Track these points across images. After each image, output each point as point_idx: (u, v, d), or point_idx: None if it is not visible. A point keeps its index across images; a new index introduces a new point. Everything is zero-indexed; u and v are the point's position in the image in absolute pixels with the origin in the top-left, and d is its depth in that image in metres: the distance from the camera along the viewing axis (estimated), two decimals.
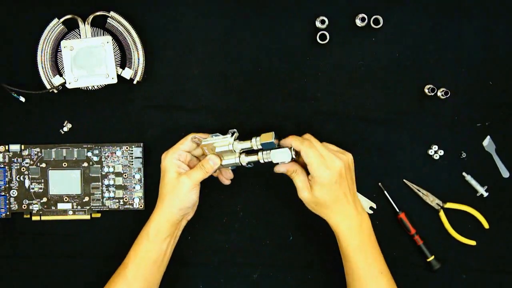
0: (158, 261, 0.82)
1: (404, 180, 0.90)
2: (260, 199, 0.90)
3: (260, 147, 0.81)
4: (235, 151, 0.82)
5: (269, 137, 0.80)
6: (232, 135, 0.82)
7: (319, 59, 0.90)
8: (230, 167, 0.85)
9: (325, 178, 0.78)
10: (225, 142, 0.82)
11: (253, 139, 0.81)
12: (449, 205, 0.89)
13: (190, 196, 0.81)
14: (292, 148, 0.81)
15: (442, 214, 0.89)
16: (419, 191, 0.89)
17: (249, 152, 0.83)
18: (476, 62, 0.90)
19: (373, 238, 0.82)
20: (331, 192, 0.79)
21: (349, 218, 0.80)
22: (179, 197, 0.81)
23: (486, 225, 0.89)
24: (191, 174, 0.81)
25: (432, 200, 0.89)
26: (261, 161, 0.82)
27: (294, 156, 0.81)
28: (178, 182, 0.81)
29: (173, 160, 0.82)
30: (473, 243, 0.89)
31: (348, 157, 0.82)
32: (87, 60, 0.87)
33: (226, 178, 0.87)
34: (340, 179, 0.79)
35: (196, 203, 0.84)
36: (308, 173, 0.81)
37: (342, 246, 0.81)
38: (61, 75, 0.88)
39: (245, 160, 0.82)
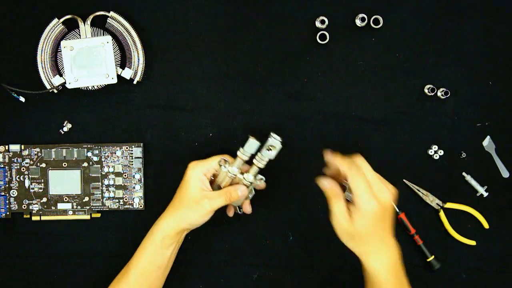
0: (161, 267, 0.82)
1: (404, 180, 0.90)
2: (260, 199, 0.90)
3: (248, 153, 0.80)
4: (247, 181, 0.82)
5: (253, 146, 0.79)
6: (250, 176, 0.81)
7: (319, 59, 0.90)
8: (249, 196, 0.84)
9: (369, 208, 0.72)
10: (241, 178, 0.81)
11: (239, 153, 0.80)
12: (449, 205, 0.89)
13: (207, 218, 0.81)
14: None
15: (442, 214, 0.89)
16: (419, 191, 0.89)
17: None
18: (476, 62, 0.90)
19: (403, 274, 0.76)
20: (372, 225, 0.73)
21: (384, 255, 0.75)
22: (197, 216, 0.80)
23: (486, 225, 0.89)
24: (214, 201, 0.80)
25: (432, 200, 0.89)
26: (262, 166, 0.81)
27: (279, 140, 0.78)
28: (199, 202, 0.80)
29: (200, 173, 0.81)
30: (473, 243, 0.89)
31: (396, 191, 0.76)
32: (87, 60, 0.87)
33: (246, 211, 0.86)
34: (385, 213, 0.74)
35: None
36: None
37: (373, 285, 0.75)
38: (61, 75, 0.88)
39: (250, 178, 0.81)
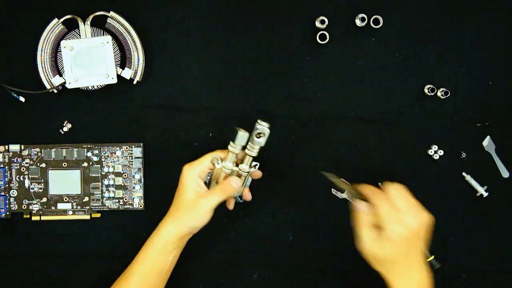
0: (162, 272, 0.82)
1: (321, 172, 0.88)
2: (260, 199, 0.90)
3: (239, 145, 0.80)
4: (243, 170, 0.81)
5: (242, 138, 0.79)
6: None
7: (319, 59, 0.90)
8: (247, 185, 0.84)
9: (397, 235, 0.72)
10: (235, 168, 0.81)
11: (230, 147, 0.80)
12: None
13: (206, 218, 0.80)
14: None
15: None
16: (337, 180, 0.86)
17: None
18: (476, 62, 0.90)
19: None
20: (400, 250, 0.73)
21: (413, 282, 0.74)
22: (196, 218, 0.80)
23: None
24: (211, 199, 0.79)
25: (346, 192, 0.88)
26: (254, 154, 0.80)
27: (267, 126, 0.78)
28: (196, 204, 0.79)
29: (194, 176, 0.80)
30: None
31: (429, 218, 0.75)
32: (87, 60, 0.87)
33: (247, 198, 0.85)
34: (413, 239, 0.73)
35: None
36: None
37: None
38: (61, 75, 0.88)
39: (245, 168, 0.81)
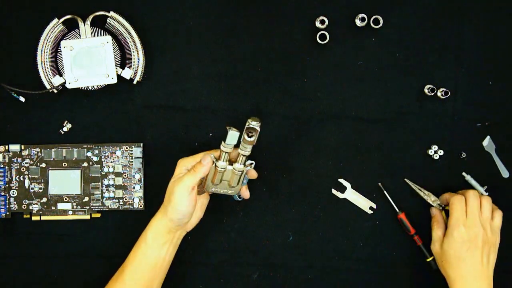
0: (156, 266, 0.82)
1: (405, 179, 0.90)
2: (260, 199, 0.90)
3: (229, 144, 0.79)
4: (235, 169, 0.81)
5: (233, 137, 0.78)
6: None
7: (319, 59, 0.90)
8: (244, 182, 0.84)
9: (456, 234, 0.81)
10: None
11: (222, 147, 0.79)
12: None
13: (184, 203, 0.78)
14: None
15: (443, 214, 0.89)
16: (420, 190, 0.89)
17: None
18: (476, 62, 0.90)
19: None
20: (459, 250, 0.81)
21: (470, 285, 0.81)
22: (175, 206, 0.79)
23: None
24: (183, 179, 0.78)
25: (433, 200, 0.89)
26: (247, 153, 0.79)
27: (258, 124, 0.77)
28: (172, 191, 0.79)
29: (182, 168, 0.82)
30: None
31: (494, 232, 0.84)
32: (87, 60, 0.87)
33: (245, 196, 0.86)
34: (472, 246, 0.81)
35: (195, 213, 0.83)
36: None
37: None
38: (61, 75, 0.88)
39: (239, 166, 0.81)
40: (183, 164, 0.82)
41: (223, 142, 0.79)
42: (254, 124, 0.77)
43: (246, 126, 0.77)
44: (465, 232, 0.81)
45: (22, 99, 0.89)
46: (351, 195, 0.90)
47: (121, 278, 0.81)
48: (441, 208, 0.89)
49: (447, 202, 0.86)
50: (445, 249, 0.82)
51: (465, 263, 0.81)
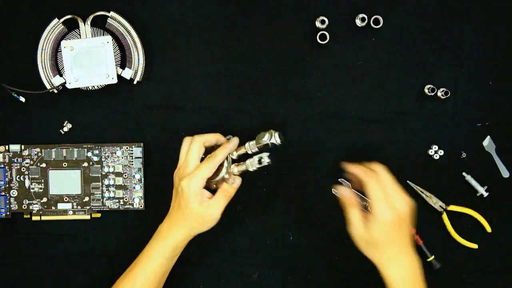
0: (166, 273, 0.83)
1: (408, 181, 0.90)
2: (260, 199, 0.90)
3: (254, 151, 0.81)
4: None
5: (262, 136, 0.80)
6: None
7: (319, 59, 0.90)
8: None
9: (386, 217, 0.74)
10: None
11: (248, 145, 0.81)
12: (452, 207, 0.89)
13: (216, 222, 0.81)
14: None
15: (444, 217, 0.89)
16: (422, 192, 0.89)
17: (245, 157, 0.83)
18: (476, 62, 0.90)
19: (423, 285, 0.76)
20: (388, 233, 0.74)
21: (401, 264, 0.75)
22: (206, 225, 0.81)
23: (488, 229, 0.89)
24: (218, 206, 0.79)
25: (435, 202, 0.89)
26: (251, 169, 0.81)
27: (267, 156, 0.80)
28: (206, 215, 0.79)
29: (197, 190, 0.79)
30: (475, 246, 0.89)
31: (413, 204, 0.77)
32: (87, 60, 0.87)
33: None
34: (401, 223, 0.75)
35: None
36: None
37: None
38: (61, 75, 0.88)
39: (235, 170, 0.83)
40: (196, 186, 0.78)
41: (250, 143, 0.81)
42: (266, 160, 0.79)
43: (263, 153, 0.80)
44: (393, 214, 0.74)
45: (22, 99, 0.90)
46: None
47: (131, 285, 0.81)
48: (443, 209, 0.89)
49: (358, 182, 0.79)
50: (373, 235, 0.74)
51: (395, 243, 0.75)
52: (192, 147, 0.81)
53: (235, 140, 0.82)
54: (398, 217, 0.74)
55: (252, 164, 0.81)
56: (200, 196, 0.79)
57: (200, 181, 0.78)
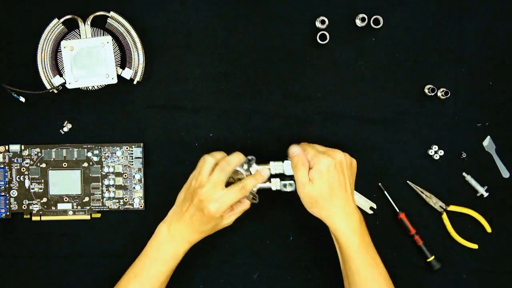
0: (168, 277, 0.84)
1: (408, 181, 0.90)
2: (260, 199, 0.90)
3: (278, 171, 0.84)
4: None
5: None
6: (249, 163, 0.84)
7: (319, 59, 0.90)
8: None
9: (324, 164, 0.77)
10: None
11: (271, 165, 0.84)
12: (452, 208, 0.89)
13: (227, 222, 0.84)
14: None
15: (444, 217, 0.89)
16: (422, 193, 0.89)
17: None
18: (476, 62, 0.90)
19: (370, 239, 0.80)
20: (329, 181, 0.77)
21: (348, 216, 0.78)
22: (216, 231, 0.84)
23: (488, 229, 0.89)
24: (232, 217, 0.83)
25: (435, 202, 0.89)
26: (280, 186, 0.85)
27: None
28: (219, 225, 0.83)
29: (222, 213, 0.81)
30: (475, 246, 0.89)
31: (349, 157, 0.81)
32: (87, 60, 0.87)
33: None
34: (339, 168, 0.78)
35: None
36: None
37: (341, 247, 0.79)
38: (61, 75, 0.88)
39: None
40: (222, 211, 0.80)
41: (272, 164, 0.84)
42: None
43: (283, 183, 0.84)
44: (330, 159, 0.78)
45: (22, 99, 0.89)
46: None
47: (139, 285, 0.81)
48: (443, 210, 0.89)
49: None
50: (316, 188, 0.78)
51: (339, 197, 0.78)
52: (218, 175, 0.80)
53: (266, 171, 0.84)
54: (336, 162, 0.78)
55: (275, 185, 0.85)
56: (222, 217, 0.82)
57: (227, 207, 0.80)
